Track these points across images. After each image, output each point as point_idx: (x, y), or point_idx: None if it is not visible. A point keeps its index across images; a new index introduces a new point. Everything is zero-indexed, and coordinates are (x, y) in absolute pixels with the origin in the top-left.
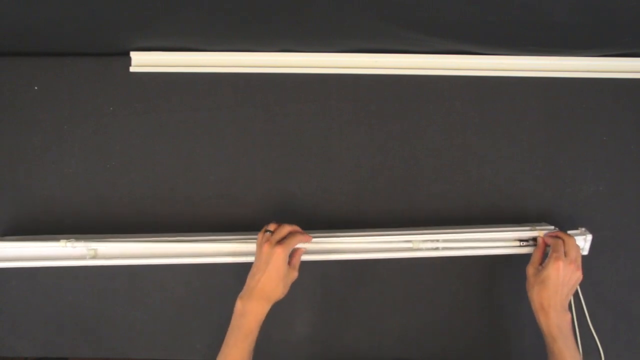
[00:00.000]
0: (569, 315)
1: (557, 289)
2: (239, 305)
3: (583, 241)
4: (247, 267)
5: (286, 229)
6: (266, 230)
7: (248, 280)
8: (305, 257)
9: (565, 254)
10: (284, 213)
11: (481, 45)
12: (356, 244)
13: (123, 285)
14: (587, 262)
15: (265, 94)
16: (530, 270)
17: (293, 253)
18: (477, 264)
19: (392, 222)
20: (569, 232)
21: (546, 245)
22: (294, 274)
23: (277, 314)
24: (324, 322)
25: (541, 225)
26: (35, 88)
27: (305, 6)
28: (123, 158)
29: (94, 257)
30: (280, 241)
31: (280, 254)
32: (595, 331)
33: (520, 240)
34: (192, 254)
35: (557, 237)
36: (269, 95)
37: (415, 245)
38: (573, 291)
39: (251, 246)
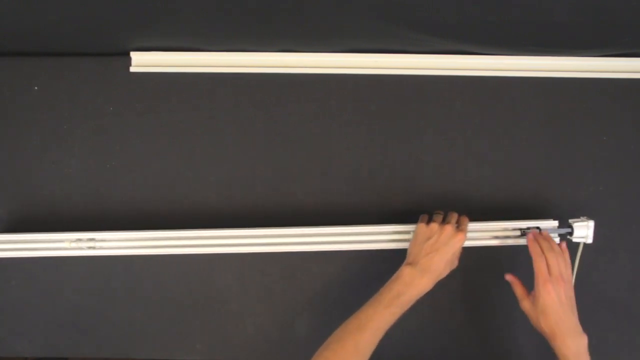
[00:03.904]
0: (586, 339)
1: (560, 311)
2: (407, 273)
3: (586, 228)
4: (247, 267)
5: (455, 215)
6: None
7: (418, 254)
8: (300, 248)
9: (550, 272)
10: (284, 213)
11: (481, 45)
12: (353, 235)
13: (123, 285)
14: (588, 262)
15: (265, 94)
16: (525, 305)
17: None
18: (477, 262)
19: (392, 222)
20: (571, 220)
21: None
22: (456, 262)
23: (277, 314)
24: (324, 322)
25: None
26: (35, 88)
27: (305, 6)
28: (123, 158)
29: (93, 247)
30: (459, 227)
31: (461, 240)
32: (596, 331)
33: (520, 229)
34: (191, 244)
35: (536, 243)
36: (269, 95)
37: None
38: (573, 303)
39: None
